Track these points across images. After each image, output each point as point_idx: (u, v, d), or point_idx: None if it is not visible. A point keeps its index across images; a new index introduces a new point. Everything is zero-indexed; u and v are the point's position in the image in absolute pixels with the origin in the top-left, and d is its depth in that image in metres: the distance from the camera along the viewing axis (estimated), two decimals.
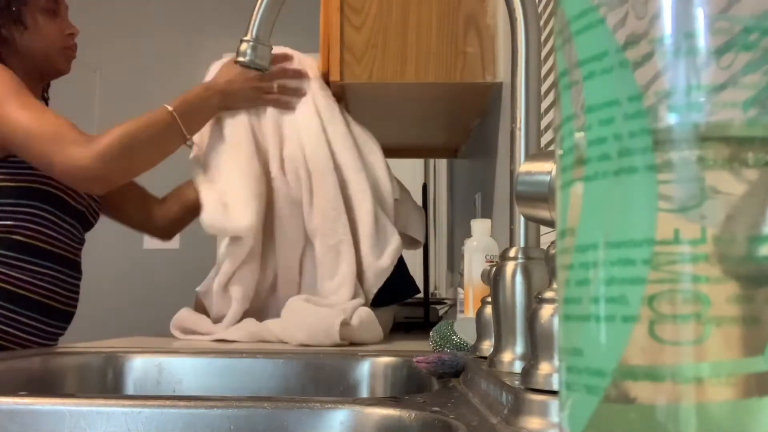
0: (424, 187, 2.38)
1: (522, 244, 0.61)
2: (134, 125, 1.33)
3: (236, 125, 1.39)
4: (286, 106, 1.40)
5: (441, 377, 0.73)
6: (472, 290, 1.06)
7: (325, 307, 1.22)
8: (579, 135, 0.21)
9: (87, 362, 1.01)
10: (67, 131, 1.29)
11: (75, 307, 1.47)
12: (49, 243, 1.39)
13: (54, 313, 1.41)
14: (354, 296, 1.28)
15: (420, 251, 1.98)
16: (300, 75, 1.42)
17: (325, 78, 1.42)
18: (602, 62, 0.20)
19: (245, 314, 1.33)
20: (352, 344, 1.19)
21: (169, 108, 1.36)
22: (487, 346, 0.70)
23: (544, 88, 1.20)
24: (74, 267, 1.46)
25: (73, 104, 1.57)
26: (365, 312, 1.24)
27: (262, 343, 1.21)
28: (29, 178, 1.35)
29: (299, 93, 1.41)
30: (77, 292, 1.48)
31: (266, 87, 1.41)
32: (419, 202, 2.39)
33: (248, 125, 1.39)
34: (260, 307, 1.36)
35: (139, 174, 1.39)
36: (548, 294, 0.46)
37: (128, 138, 1.31)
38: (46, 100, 1.56)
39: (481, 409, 0.53)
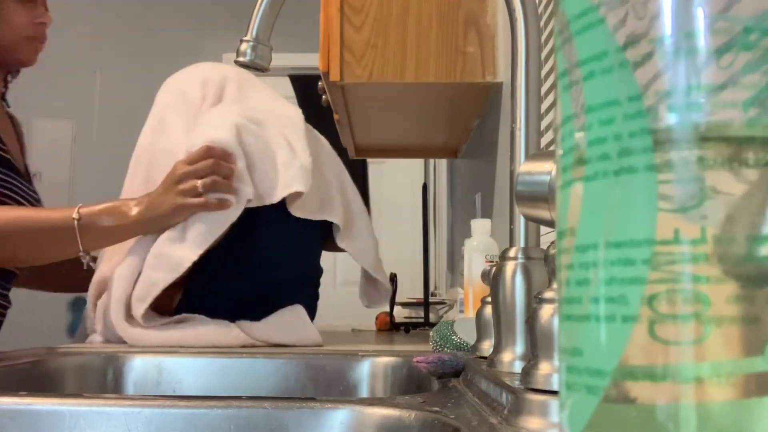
0: (424, 187, 2.37)
1: (522, 244, 0.61)
2: (29, 214, 1.22)
3: None
4: (218, 208, 1.17)
5: (441, 377, 0.73)
6: (472, 290, 1.06)
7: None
8: (579, 135, 0.21)
9: (87, 362, 1.01)
10: None
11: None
12: None
13: None
14: None
15: (420, 252, 1.98)
16: (231, 174, 1.19)
17: (325, 78, 1.42)
18: (602, 62, 0.20)
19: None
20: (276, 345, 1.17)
21: (74, 213, 1.19)
22: (487, 346, 0.70)
23: (544, 88, 1.20)
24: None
25: (73, 104, 1.56)
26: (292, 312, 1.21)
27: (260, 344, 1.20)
28: None
29: (231, 190, 1.18)
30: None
31: (189, 189, 1.16)
32: (419, 202, 2.39)
33: None
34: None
35: (18, 266, 1.27)
36: (548, 294, 0.46)
37: (15, 227, 1.19)
38: (3, 92, 1.44)
39: (481, 409, 0.53)
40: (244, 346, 1.13)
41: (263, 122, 1.26)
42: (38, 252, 1.23)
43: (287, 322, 1.19)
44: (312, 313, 1.32)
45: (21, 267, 1.38)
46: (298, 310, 1.21)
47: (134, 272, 1.18)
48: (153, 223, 1.18)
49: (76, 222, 1.18)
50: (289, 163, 1.22)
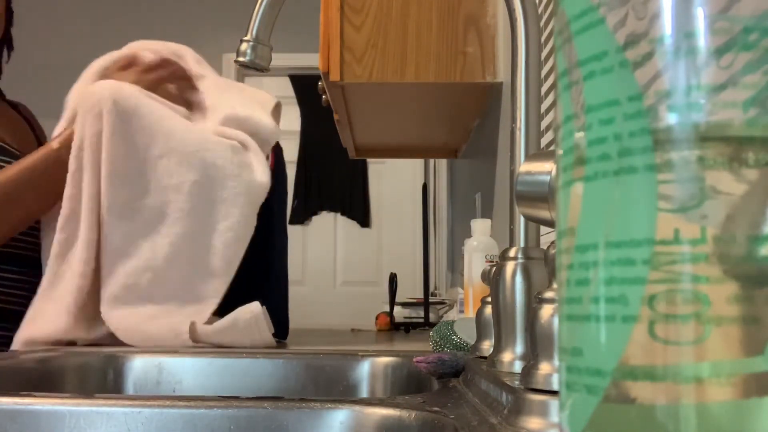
0: (424, 187, 2.38)
1: (522, 244, 0.61)
2: (13, 171, 1.18)
3: None
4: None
5: (441, 377, 0.73)
6: (472, 290, 1.06)
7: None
8: (579, 135, 0.21)
9: (87, 362, 1.01)
10: None
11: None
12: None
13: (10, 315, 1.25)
14: None
15: (420, 252, 1.98)
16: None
17: (325, 78, 1.42)
18: (602, 62, 0.20)
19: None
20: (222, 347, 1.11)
21: (55, 146, 1.20)
22: (487, 346, 0.70)
23: (544, 88, 1.20)
24: (26, 263, 1.31)
25: None
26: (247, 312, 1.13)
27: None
28: None
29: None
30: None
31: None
32: (419, 202, 2.39)
33: None
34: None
35: (25, 226, 1.23)
36: (548, 294, 0.46)
37: (8, 187, 1.17)
38: None
39: (481, 409, 0.53)
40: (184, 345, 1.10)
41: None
42: (39, 203, 1.21)
43: (243, 328, 1.12)
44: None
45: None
46: (256, 314, 1.13)
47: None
48: None
49: (58, 152, 1.19)
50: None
